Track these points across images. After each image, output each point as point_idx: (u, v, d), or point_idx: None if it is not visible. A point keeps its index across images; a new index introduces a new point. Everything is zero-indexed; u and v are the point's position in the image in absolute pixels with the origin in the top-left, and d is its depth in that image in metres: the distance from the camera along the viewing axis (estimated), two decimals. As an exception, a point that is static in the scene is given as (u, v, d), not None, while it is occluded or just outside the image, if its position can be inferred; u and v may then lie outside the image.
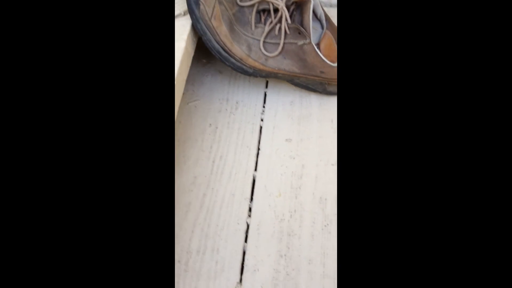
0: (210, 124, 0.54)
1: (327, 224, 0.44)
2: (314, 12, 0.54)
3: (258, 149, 0.52)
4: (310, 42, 0.48)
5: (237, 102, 0.56)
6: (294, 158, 0.51)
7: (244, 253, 0.42)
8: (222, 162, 0.50)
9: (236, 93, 0.57)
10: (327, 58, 0.51)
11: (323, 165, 0.50)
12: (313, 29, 0.53)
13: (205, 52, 0.54)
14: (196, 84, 0.58)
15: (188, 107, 0.55)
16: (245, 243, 0.43)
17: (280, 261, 0.41)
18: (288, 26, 0.49)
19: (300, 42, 0.49)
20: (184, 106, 0.55)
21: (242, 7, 0.50)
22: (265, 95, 0.58)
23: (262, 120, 0.55)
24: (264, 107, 0.56)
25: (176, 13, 0.48)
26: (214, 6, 0.46)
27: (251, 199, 0.47)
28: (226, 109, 0.55)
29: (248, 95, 0.57)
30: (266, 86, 0.59)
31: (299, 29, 0.48)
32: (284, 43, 0.49)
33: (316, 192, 0.47)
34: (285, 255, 0.42)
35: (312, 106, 0.56)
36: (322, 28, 0.55)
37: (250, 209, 0.46)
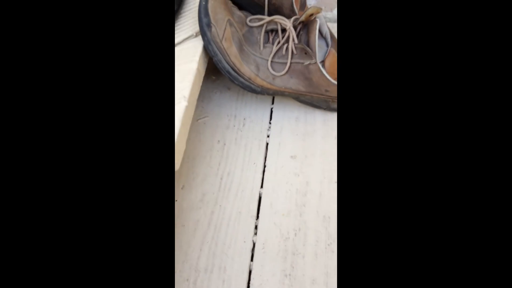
0: (219, 141, 0.55)
1: (330, 243, 0.46)
2: (320, 30, 0.55)
3: (264, 165, 0.53)
4: (315, 62, 0.50)
5: (244, 119, 0.58)
6: (298, 175, 0.52)
7: (250, 272, 0.44)
8: (229, 179, 0.51)
9: (244, 109, 0.59)
10: (331, 75, 0.52)
11: (327, 182, 0.51)
12: (319, 47, 0.54)
13: (214, 69, 0.55)
14: (205, 101, 0.59)
15: (197, 124, 0.56)
16: (251, 262, 0.44)
17: (284, 281, 0.43)
18: (295, 46, 0.50)
19: (306, 62, 0.50)
20: (193, 123, 0.56)
21: (251, 27, 0.51)
22: (271, 111, 0.59)
23: (268, 136, 0.56)
24: (270, 123, 0.58)
25: (188, 34, 0.49)
26: (225, 28, 0.47)
27: (257, 216, 0.48)
28: (234, 126, 0.57)
29: (255, 111, 0.59)
30: (272, 102, 0.60)
31: (305, 49, 0.49)
32: (291, 63, 0.50)
33: (320, 210, 0.49)
34: (289, 274, 0.43)
35: (317, 122, 0.58)
36: (327, 45, 0.56)
37: (256, 227, 0.47)
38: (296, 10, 0.56)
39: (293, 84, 0.51)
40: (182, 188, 0.50)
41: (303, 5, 0.60)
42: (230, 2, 0.51)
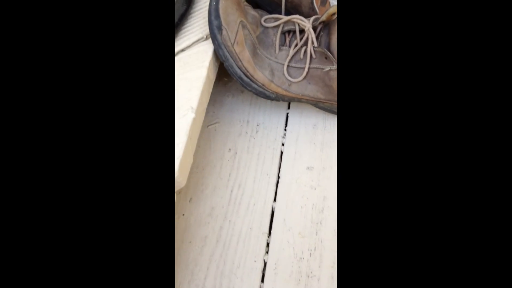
0: (230, 149, 0.52)
1: (348, 266, 0.42)
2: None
3: (278, 177, 0.50)
4: (337, 68, 0.45)
5: (258, 125, 0.54)
6: (315, 189, 0.48)
7: (260, 295, 0.41)
8: (240, 191, 0.48)
9: (257, 115, 0.55)
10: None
11: (346, 198, 0.48)
12: (341, 49, 0.49)
13: (226, 71, 0.51)
14: (216, 105, 0.56)
15: (208, 130, 0.53)
16: (262, 283, 0.41)
17: (297, 307, 0.40)
18: (314, 50, 0.46)
19: (327, 68, 0.46)
20: (203, 129, 0.53)
21: (267, 28, 0.47)
22: (287, 116, 0.55)
23: (283, 144, 0.53)
24: (285, 130, 0.54)
25: (198, 37, 0.45)
26: (237, 31, 0.43)
27: (269, 233, 0.45)
28: (247, 132, 0.53)
29: (270, 116, 0.55)
30: (288, 107, 0.56)
31: (326, 53, 0.45)
32: (309, 68, 0.46)
33: (338, 229, 0.45)
34: (302, 299, 0.40)
35: (336, 130, 0.54)
36: (351, 47, 0.52)
37: (268, 245, 0.44)
38: (317, 8, 0.51)
39: (311, 91, 0.47)
40: (189, 201, 0.47)
41: (324, 1, 0.56)
42: (243, 0, 0.47)
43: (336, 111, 0.52)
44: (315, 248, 0.44)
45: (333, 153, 0.51)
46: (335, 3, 0.68)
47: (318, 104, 0.51)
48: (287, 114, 0.56)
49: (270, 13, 0.52)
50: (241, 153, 0.52)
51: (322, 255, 0.43)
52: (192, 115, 0.39)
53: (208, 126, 0.54)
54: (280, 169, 0.50)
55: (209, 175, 0.50)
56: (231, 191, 0.48)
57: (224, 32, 0.43)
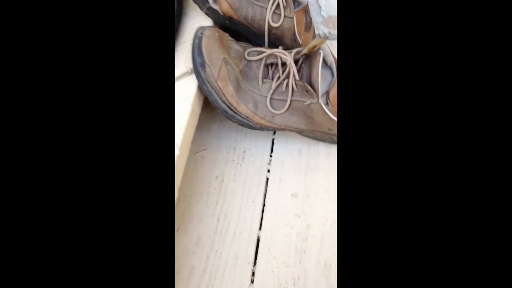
0: (217, 177, 0.53)
1: (331, 295, 0.44)
2: (324, 60, 0.51)
3: (264, 204, 0.51)
4: (318, 102, 0.46)
5: (244, 151, 0.55)
6: (299, 216, 0.50)
7: (244, 327, 0.42)
8: (226, 220, 0.49)
9: (244, 141, 0.56)
10: (335, 107, 0.49)
11: (329, 225, 0.49)
12: (323, 78, 0.50)
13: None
14: (203, 132, 0.57)
15: (195, 158, 0.54)
16: (247, 314, 0.43)
17: (280, 338, 0.41)
18: (295, 83, 0.47)
19: (308, 102, 0.47)
20: (191, 157, 0.54)
21: (250, 61, 0.48)
22: (273, 142, 0.57)
23: (268, 171, 0.54)
24: (271, 156, 0.55)
25: (182, 71, 0.46)
26: (220, 68, 0.44)
27: (255, 263, 0.46)
28: (233, 160, 0.55)
29: (256, 142, 0.56)
30: (274, 133, 0.57)
31: (306, 87, 0.46)
32: (291, 101, 0.48)
33: (321, 257, 0.47)
34: (286, 330, 0.42)
35: (320, 156, 0.55)
36: (333, 75, 0.53)
37: (253, 274, 0.46)
38: (299, 40, 0.52)
39: (294, 122, 0.48)
40: (177, 231, 0.48)
41: (308, 25, 0.57)
42: (227, 36, 0.48)
43: (319, 138, 0.53)
44: (298, 277, 0.45)
45: (317, 179, 0.53)
46: (320, 33, 0.69)
47: (302, 133, 0.52)
48: (273, 140, 0.57)
49: (254, 42, 0.53)
50: (227, 181, 0.53)
51: (305, 284, 0.45)
52: (176, 152, 0.40)
53: (195, 153, 0.55)
54: (266, 197, 0.51)
55: (196, 203, 0.51)
56: (218, 219, 0.49)
57: (207, 69, 0.44)
